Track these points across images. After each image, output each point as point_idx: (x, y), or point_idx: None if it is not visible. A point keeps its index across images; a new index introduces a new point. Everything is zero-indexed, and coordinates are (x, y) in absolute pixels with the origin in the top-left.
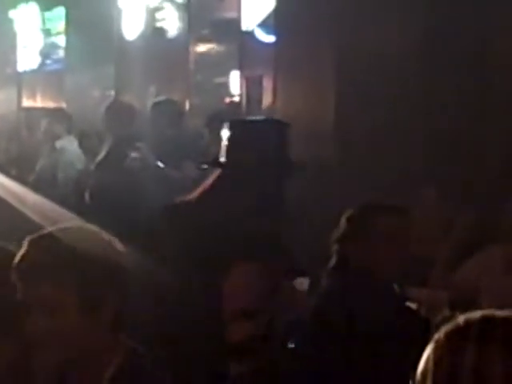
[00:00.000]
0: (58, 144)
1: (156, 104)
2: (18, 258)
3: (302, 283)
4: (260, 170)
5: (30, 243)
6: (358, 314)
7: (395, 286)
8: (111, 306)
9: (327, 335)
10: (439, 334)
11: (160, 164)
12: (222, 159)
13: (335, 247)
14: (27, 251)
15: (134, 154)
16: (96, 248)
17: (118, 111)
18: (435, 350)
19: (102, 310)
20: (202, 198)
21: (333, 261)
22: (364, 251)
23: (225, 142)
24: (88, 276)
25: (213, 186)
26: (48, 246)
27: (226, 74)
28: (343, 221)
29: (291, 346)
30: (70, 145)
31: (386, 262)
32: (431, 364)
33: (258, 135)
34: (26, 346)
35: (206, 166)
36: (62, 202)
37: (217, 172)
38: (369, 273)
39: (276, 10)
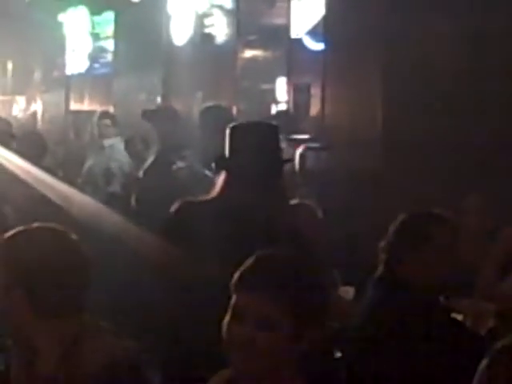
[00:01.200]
0: (107, 143)
1: (205, 109)
2: None
3: (348, 291)
4: (258, 170)
5: None
6: (402, 327)
7: (441, 298)
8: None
9: (371, 347)
10: (494, 350)
11: (207, 172)
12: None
13: (382, 256)
14: None
15: (180, 163)
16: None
17: (161, 116)
18: (490, 366)
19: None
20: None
21: (379, 270)
22: (414, 261)
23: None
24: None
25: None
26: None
27: (273, 80)
28: (392, 229)
29: (337, 354)
30: (119, 144)
31: (436, 273)
32: (486, 379)
33: (254, 138)
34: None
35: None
36: (108, 202)
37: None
38: (415, 285)
39: (325, 19)
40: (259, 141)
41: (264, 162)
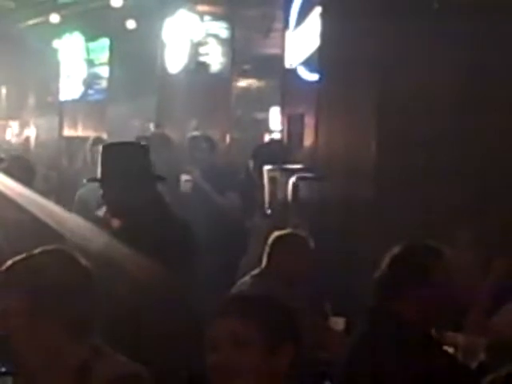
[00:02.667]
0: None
1: (191, 138)
2: None
3: (338, 322)
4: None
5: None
6: (394, 359)
7: (432, 331)
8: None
9: (362, 379)
10: (486, 383)
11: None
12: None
13: (376, 288)
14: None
15: (186, 177)
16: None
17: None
18: None
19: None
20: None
21: (373, 302)
22: (410, 296)
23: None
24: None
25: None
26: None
27: (267, 109)
28: (387, 261)
29: None
30: None
31: (432, 307)
32: None
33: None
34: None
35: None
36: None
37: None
38: (410, 318)
39: (320, 49)
40: (125, 160)
41: (131, 180)
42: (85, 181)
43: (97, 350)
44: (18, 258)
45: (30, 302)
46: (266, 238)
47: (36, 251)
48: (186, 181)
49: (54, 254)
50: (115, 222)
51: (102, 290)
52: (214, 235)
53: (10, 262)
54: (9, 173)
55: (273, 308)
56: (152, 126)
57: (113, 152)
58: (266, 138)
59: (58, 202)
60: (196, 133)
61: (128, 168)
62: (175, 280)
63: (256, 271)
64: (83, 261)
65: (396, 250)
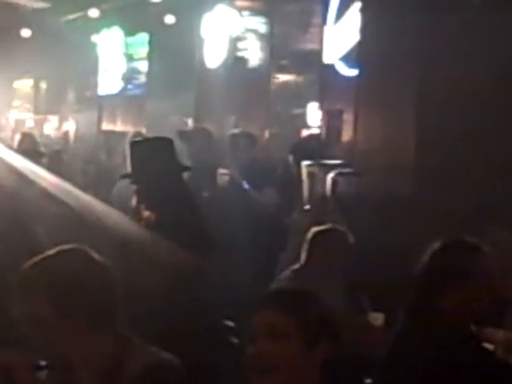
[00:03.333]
0: None
1: (231, 136)
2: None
3: (376, 318)
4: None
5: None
6: (433, 356)
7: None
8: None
9: (403, 376)
10: None
11: (246, 186)
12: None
13: (416, 285)
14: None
15: (223, 171)
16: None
17: (196, 137)
18: None
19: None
20: None
21: (412, 299)
22: (450, 293)
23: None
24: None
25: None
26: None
27: (304, 105)
28: (426, 257)
29: (368, 381)
30: None
31: (473, 304)
32: None
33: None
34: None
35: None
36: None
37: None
38: (450, 315)
39: (359, 45)
40: (152, 155)
41: (159, 172)
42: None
43: (127, 341)
44: (34, 260)
45: (52, 305)
46: (305, 234)
47: (51, 252)
48: (223, 174)
49: (68, 254)
50: (147, 214)
51: (128, 282)
52: (250, 229)
53: (27, 266)
54: (49, 167)
55: (311, 303)
56: (190, 121)
57: (140, 148)
58: (304, 133)
59: (96, 195)
60: (236, 130)
61: (155, 162)
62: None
63: (295, 266)
64: (98, 257)
65: (436, 245)
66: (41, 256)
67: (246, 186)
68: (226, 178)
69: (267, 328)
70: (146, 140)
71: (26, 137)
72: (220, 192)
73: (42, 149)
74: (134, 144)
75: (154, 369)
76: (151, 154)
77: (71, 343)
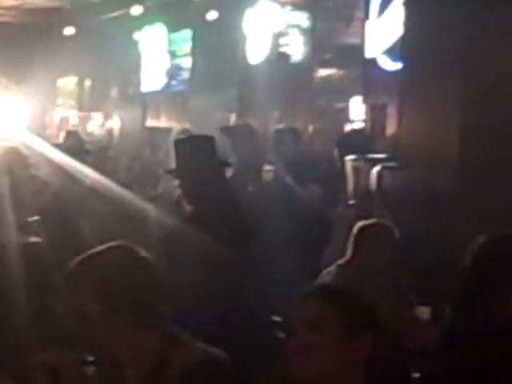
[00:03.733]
0: None
1: (275, 132)
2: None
3: (423, 312)
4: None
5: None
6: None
7: None
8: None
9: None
10: None
11: (291, 182)
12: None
13: (462, 280)
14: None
15: (268, 167)
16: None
17: (239, 132)
18: None
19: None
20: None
21: (458, 293)
22: (493, 285)
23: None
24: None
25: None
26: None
27: (347, 99)
28: (472, 252)
29: (416, 375)
30: None
31: None
32: None
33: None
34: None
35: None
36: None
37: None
38: (492, 310)
39: (403, 38)
40: (195, 151)
41: (201, 168)
42: (161, 171)
43: (173, 337)
44: (82, 256)
45: (99, 301)
46: (350, 228)
47: (99, 248)
48: (268, 171)
49: (116, 251)
50: (189, 208)
51: (172, 279)
52: (294, 224)
53: (75, 262)
54: (95, 165)
55: (350, 296)
56: (233, 117)
57: (183, 145)
58: (347, 127)
59: (141, 191)
60: (280, 125)
61: (197, 159)
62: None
63: (341, 261)
64: (145, 254)
65: (481, 240)
66: (89, 252)
67: (290, 181)
68: (271, 174)
69: (306, 320)
70: (189, 138)
71: (71, 135)
72: (264, 188)
73: (88, 146)
74: (177, 141)
75: (201, 365)
76: (194, 150)
77: (117, 340)
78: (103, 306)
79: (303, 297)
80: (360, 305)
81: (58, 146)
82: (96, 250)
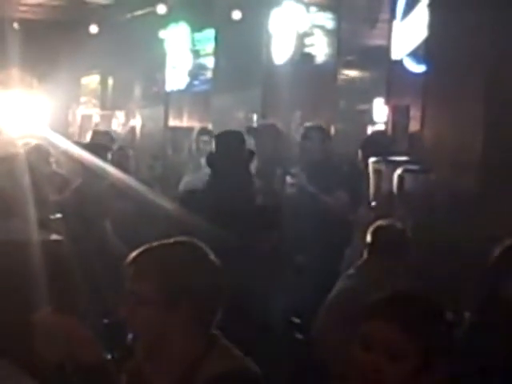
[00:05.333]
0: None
1: (304, 129)
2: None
3: None
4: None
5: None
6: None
7: None
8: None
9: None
10: None
11: (315, 191)
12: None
13: (486, 282)
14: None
15: (291, 180)
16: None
17: (264, 133)
18: None
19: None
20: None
21: (484, 294)
22: None
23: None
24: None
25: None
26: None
27: (370, 101)
28: (497, 254)
29: None
30: None
31: None
32: None
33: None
34: None
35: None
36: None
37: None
38: None
39: (427, 40)
40: (225, 144)
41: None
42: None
43: (213, 342)
44: (149, 245)
45: (159, 292)
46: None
47: (168, 241)
48: (292, 184)
49: (185, 246)
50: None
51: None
52: (315, 227)
53: (141, 249)
54: (115, 163)
55: (437, 320)
56: (256, 117)
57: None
58: (369, 129)
59: (163, 190)
60: (309, 123)
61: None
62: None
63: (359, 263)
64: (213, 256)
65: (505, 243)
66: (156, 243)
67: (313, 189)
68: (294, 188)
69: (384, 343)
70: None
71: (99, 135)
72: (288, 197)
73: (111, 144)
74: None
75: (227, 376)
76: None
77: (164, 333)
78: (163, 296)
79: (381, 312)
80: (440, 332)
81: (79, 143)
82: (166, 241)
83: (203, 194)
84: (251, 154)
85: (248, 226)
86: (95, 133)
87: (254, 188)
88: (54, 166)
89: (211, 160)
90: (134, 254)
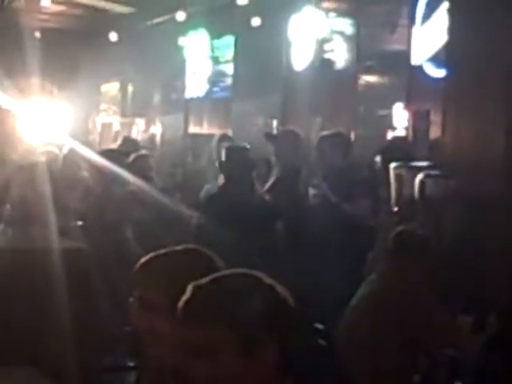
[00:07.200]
0: None
1: (325, 137)
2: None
3: (466, 321)
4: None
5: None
6: None
7: None
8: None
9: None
10: None
11: (337, 200)
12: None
13: (507, 288)
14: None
15: (314, 191)
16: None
17: (284, 139)
18: None
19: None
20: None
21: (504, 301)
22: None
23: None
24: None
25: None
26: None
27: (389, 106)
28: None
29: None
30: None
31: None
32: None
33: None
34: None
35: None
36: None
37: None
38: None
39: (447, 45)
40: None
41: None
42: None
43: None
44: (157, 252)
45: (167, 299)
46: None
47: (176, 248)
48: (315, 195)
49: (191, 253)
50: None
51: None
52: (339, 233)
53: (149, 256)
54: (134, 170)
55: (240, 303)
56: (275, 124)
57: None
58: (389, 134)
59: (183, 198)
60: (329, 131)
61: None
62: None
63: (380, 268)
64: (220, 262)
65: None
66: (164, 250)
67: (335, 199)
68: (318, 198)
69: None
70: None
71: (129, 141)
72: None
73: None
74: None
75: None
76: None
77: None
78: (170, 302)
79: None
80: (250, 314)
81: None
82: (176, 248)
83: (219, 198)
84: (253, 162)
85: (252, 222)
86: (125, 139)
87: (257, 191)
88: (75, 174)
89: (223, 168)
90: (142, 260)
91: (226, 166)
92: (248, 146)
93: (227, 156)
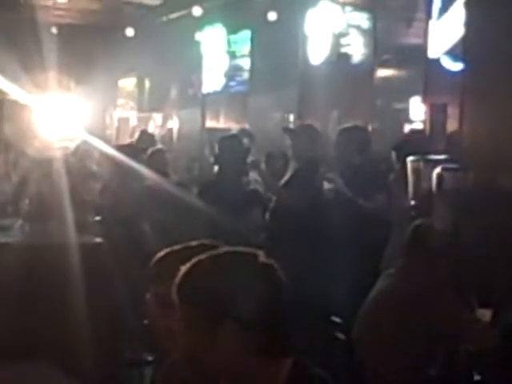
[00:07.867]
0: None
1: (344, 130)
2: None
3: (484, 314)
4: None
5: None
6: None
7: None
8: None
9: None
10: None
11: (352, 195)
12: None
13: None
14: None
15: (328, 185)
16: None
17: (302, 134)
18: None
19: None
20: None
21: None
22: None
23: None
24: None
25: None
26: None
27: (406, 99)
28: None
29: (476, 377)
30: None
31: None
32: None
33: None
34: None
35: None
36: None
37: None
38: None
39: (464, 38)
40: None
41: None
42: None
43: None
44: (172, 248)
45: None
46: None
47: (191, 243)
48: (330, 190)
49: (207, 249)
50: None
51: None
52: (354, 228)
53: (164, 252)
54: (151, 165)
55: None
56: (292, 117)
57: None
58: (406, 128)
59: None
60: (348, 124)
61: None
62: None
63: (397, 262)
64: None
65: None
66: (181, 245)
67: (350, 194)
68: (332, 193)
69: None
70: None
71: (146, 135)
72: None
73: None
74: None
75: None
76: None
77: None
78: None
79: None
80: (208, 294)
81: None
82: (190, 244)
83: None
84: (247, 150)
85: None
86: (142, 134)
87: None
88: (92, 169)
89: (217, 159)
90: (157, 256)
91: (218, 155)
92: (237, 135)
93: (218, 146)
